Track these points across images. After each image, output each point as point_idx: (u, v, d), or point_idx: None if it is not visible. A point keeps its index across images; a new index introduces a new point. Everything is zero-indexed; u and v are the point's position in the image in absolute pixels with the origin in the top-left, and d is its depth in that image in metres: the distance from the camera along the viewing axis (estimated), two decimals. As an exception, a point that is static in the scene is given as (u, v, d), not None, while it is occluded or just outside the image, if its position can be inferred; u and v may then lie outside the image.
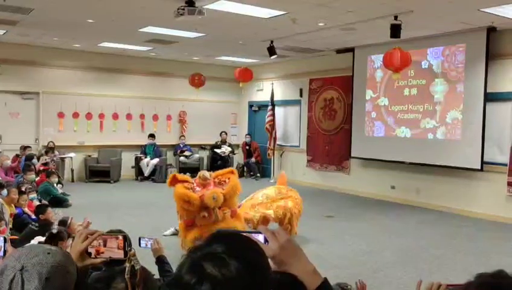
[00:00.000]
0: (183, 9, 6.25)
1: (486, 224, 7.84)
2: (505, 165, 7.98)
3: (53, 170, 9.45)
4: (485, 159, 8.20)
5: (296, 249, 1.24)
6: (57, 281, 1.19)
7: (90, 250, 1.50)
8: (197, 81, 11.74)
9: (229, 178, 5.84)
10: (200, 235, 5.32)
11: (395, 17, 7.12)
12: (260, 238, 1.24)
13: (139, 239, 2.74)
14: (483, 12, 6.91)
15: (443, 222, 8.01)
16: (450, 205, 8.75)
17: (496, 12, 6.89)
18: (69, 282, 1.25)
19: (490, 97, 8.13)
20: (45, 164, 9.83)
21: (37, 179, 8.77)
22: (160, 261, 2.70)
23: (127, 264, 1.51)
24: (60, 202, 8.41)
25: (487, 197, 8.27)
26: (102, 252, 1.50)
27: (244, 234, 1.21)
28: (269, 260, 1.21)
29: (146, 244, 2.75)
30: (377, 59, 9.82)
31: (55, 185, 9.00)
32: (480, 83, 8.20)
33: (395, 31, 7.20)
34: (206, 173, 5.92)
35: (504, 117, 8.05)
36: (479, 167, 8.24)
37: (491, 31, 7.99)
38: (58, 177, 9.57)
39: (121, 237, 1.50)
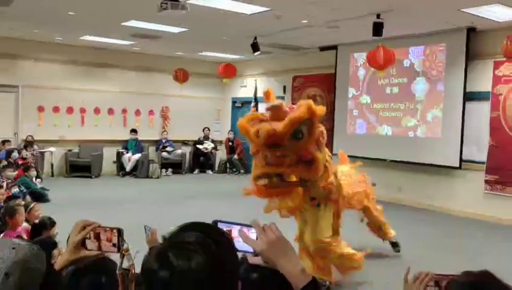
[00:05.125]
0: (166, 3, 6.21)
1: (464, 221, 7.99)
2: (483, 163, 8.13)
3: (31, 164, 9.31)
4: (464, 157, 8.34)
5: (285, 247, 1.24)
6: (17, 277, 1.17)
7: (87, 242, 1.45)
8: (180, 77, 11.67)
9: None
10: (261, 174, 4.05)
11: (378, 16, 7.18)
12: (252, 232, 1.25)
13: (145, 228, 2.79)
14: (463, 13, 7.01)
15: (422, 218, 8.12)
16: (430, 202, 8.88)
17: (475, 12, 7.00)
18: (33, 278, 1.22)
19: (469, 96, 8.27)
20: (24, 159, 9.69)
21: (14, 174, 8.62)
22: None
23: (120, 260, 1.48)
24: (38, 196, 8.27)
25: (465, 195, 8.42)
26: (99, 246, 1.45)
27: (237, 226, 1.22)
28: (259, 255, 1.23)
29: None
30: (360, 57, 9.90)
31: (33, 179, 8.87)
32: (459, 82, 8.33)
33: (378, 29, 7.26)
34: (276, 102, 4.06)
35: (482, 116, 8.19)
36: (458, 165, 8.39)
37: (470, 31, 8.12)
38: (37, 171, 9.44)
39: (115, 231, 1.46)
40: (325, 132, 4.34)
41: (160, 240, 1.09)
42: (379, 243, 6.48)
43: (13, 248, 1.21)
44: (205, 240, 1.01)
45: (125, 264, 1.48)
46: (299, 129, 3.82)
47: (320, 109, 4.02)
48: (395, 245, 5.94)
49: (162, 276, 0.96)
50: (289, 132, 3.78)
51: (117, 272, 1.46)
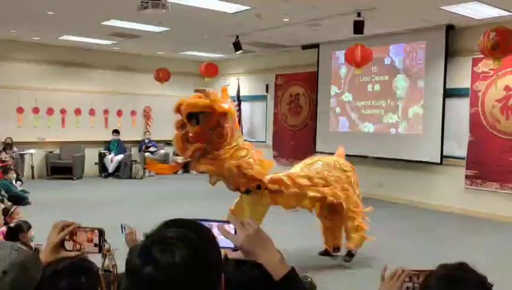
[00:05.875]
0: (147, 2, 6.17)
1: (446, 215, 8.11)
2: (463, 158, 8.26)
3: (10, 167, 9.15)
4: (444, 153, 8.47)
5: (263, 239, 1.28)
6: (13, 277, 1.17)
7: (66, 243, 1.44)
8: (162, 76, 11.59)
9: None
10: None
11: (358, 14, 7.23)
12: (231, 227, 1.28)
13: (121, 226, 2.73)
14: (442, 10, 7.11)
15: (405, 214, 8.22)
16: (411, 197, 8.98)
17: (454, 10, 7.11)
18: (28, 282, 1.22)
19: (449, 93, 8.40)
20: (3, 161, 9.52)
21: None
22: None
23: (102, 260, 1.47)
24: (19, 199, 8.14)
25: (446, 190, 8.55)
26: (79, 246, 1.44)
27: (214, 223, 1.24)
28: (239, 249, 1.26)
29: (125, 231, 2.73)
30: (341, 55, 9.94)
31: (13, 182, 8.73)
32: (439, 79, 8.45)
33: (358, 27, 7.31)
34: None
35: (462, 112, 8.32)
36: (439, 161, 8.51)
37: (449, 28, 8.24)
38: (17, 174, 9.28)
39: (96, 232, 1.45)
40: (234, 117, 4.69)
41: (142, 238, 1.09)
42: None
43: (15, 250, 1.21)
44: (187, 234, 1.03)
45: (108, 265, 1.47)
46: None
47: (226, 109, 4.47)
48: (349, 255, 5.39)
49: (146, 272, 0.97)
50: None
51: (99, 272, 1.45)
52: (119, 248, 1.65)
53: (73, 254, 1.46)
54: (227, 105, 4.50)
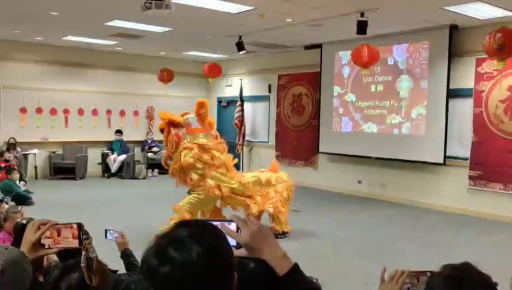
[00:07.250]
0: (150, 3, 6.17)
1: (449, 216, 8.09)
2: (466, 159, 8.24)
3: (14, 167, 9.17)
4: (448, 153, 8.45)
5: (266, 236, 1.30)
6: (12, 276, 1.19)
7: (44, 241, 1.46)
8: (165, 77, 11.60)
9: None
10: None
11: (362, 14, 7.22)
12: (232, 226, 1.30)
13: (106, 231, 2.71)
14: (445, 11, 7.09)
15: (407, 214, 8.20)
16: (414, 198, 8.97)
17: (457, 10, 7.09)
18: (24, 279, 1.24)
19: (452, 93, 8.38)
20: (7, 161, 9.55)
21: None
22: (126, 255, 2.64)
23: (83, 253, 1.49)
24: (22, 199, 8.16)
25: (450, 191, 8.53)
26: (58, 243, 1.47)
27: (216, 222, 1.26)
28: (243, 246, 1.29)
29: (113, 237, 2.71)
30: (345, 55, 9.95)
31: (17, 182, 8.75)
32: (443, 79, 8.43)
33: (362, 27, 7.29)
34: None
35: (465, 113, 8.30)
36: (442, 161, 8.49)
37: (453, 29, 8.22)
38: (21, 174, 9.31)
39: (75, 226, 1.48)
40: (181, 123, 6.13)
41: (143, 240, 1.10)
42: (362, 237, 6.54)
43: (6, 249, 1.23)
44: (199, 233, 1.06)
45: (89, 257, 1.51)
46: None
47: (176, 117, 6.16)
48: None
49: (163, 271, 0.99)
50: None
51: (81, 264, 1.48)
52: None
53: (52, 251, 1.48)
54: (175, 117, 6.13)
